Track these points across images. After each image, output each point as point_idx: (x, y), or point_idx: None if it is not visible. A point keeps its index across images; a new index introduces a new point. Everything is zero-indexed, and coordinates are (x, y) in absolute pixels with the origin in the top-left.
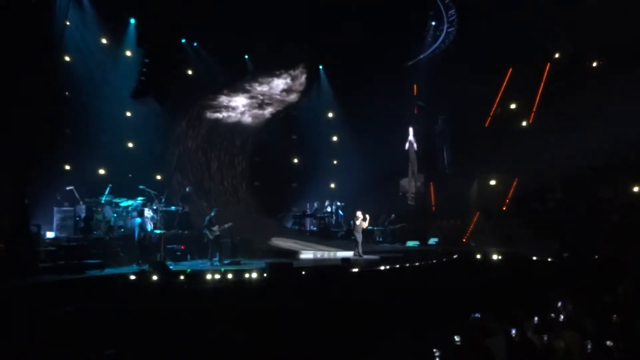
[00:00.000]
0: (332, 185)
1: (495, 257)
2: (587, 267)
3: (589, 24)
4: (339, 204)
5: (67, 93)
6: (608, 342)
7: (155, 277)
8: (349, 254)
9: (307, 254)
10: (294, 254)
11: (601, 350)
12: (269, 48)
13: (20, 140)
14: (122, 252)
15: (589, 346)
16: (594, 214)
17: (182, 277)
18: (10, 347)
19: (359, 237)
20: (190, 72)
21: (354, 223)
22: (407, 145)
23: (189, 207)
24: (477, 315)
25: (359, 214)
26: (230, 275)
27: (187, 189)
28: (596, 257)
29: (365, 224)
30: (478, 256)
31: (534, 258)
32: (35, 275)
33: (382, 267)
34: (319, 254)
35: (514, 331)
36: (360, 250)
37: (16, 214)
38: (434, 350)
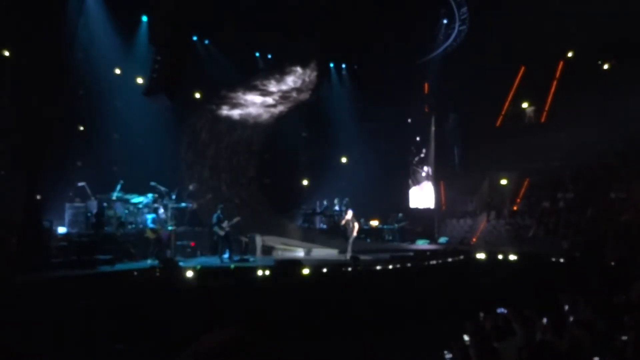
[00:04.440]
0: (342, 184)
1: (505, 256)
2: (599, 267)
3: (603, 21)
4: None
5: (79, 90)
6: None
7: (165, 274)
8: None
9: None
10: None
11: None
12: (280, 45)
13: (33, 136)
14: (132, 248)
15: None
16: (605, 213)
17: (191, 274)
18: (21, 341)
19: (350, 236)
20: (201, 70)
21: (346, 221)
22: None
23: (197, 204)
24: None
25: (349, 213)
26: (239, 272)
27: (191, 187)
28: (612, 263)
29: (355, 224)
30: (487, 255)
31: (545, 257)
32: (47, 270)
33: (391, 266)
34: (301, 253)
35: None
36: (349, 248)
37: (28, 209)
38: (445, 352)
